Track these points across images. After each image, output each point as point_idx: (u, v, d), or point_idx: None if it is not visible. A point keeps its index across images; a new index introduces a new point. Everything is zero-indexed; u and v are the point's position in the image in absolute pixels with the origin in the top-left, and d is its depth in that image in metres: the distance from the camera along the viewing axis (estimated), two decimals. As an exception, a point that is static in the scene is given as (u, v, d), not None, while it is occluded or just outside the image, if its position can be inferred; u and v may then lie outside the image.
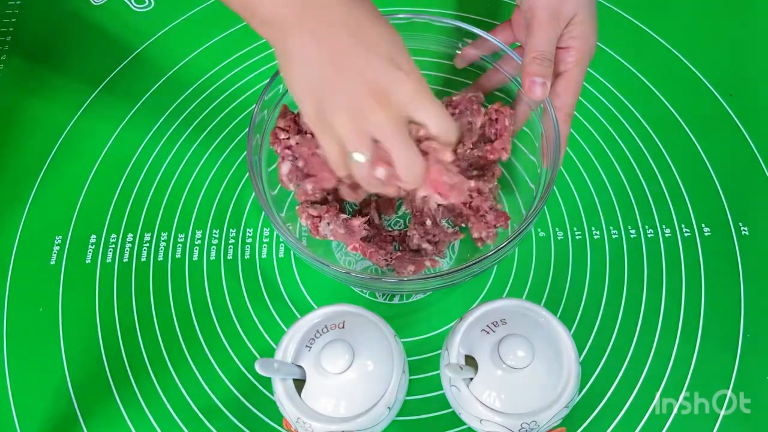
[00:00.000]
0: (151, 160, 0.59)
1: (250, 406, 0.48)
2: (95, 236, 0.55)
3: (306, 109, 0.40)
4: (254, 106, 0.49)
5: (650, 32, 0.65)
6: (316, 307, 0.50)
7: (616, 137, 0.58)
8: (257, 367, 0.38)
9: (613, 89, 0.61)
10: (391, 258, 0.50)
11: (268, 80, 0.50)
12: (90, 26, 0.67)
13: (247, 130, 0.55)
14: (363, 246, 0.49)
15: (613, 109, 0.60)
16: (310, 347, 0.42)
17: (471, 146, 0.51)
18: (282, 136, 0.49)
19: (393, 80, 0.38)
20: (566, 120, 0.49)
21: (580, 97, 0.51)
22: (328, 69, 0.38)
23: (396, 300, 0.52)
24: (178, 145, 0.59)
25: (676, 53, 0.63)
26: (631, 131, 0.59)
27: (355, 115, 0.38)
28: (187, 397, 0.48)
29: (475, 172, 0.52)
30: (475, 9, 0.66)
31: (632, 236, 0.54)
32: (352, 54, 0.37)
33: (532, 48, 0.47)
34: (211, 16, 0.68)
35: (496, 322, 0.43)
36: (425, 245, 0.50)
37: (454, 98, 0.51)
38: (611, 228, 0.54)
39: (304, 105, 0.39)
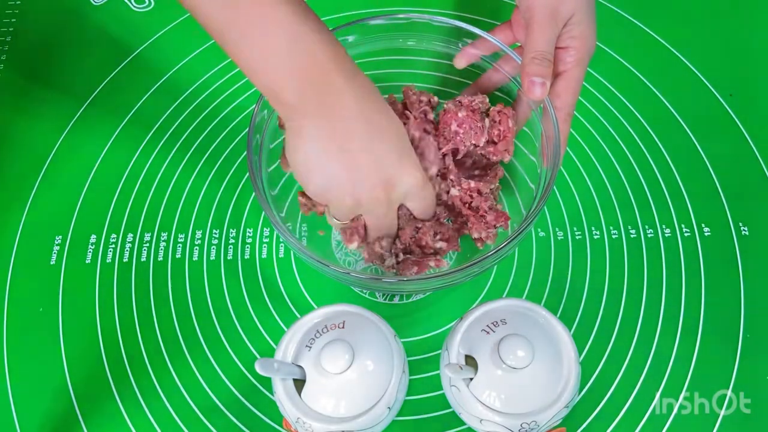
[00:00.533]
0: (151, 160, 0.59)
1: (250, 406, 0.48)
2: (95, 236, 0.55)
3: (311, 185, 0.43)
4: (254, 106, 0.49)
5: (650, 32, 0.65)
6: (316, 307, 0.50)
7: (616, 137, 0.58)
8: (257, 367, 0.38)
9: (613, 89, 0.61)
10: (397, 263, 0.50)
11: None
12: (90, 26, 0.67)
13: (247, 130, 0.55)
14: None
15: (613, 109, 0.60)
16: (310, 347, 0.42)
17: (474, 144, 0.51)
18: None
19: (401, 174, 0.44)
20: (566, 120, 0.49)
21: (580, 97, 0.51)
22: (343, 161, 0.42)
23: (396, 300, 0.52)
24: (178, 145, 0.59)
25: (676, 53, 0.63)
26: (631, 131, 0.59)
27: (355, 202, 0.43)
28: (187, 397, 0.48)
29: (476, 172, 0.52)
30: (475, 9, 0.66)
31: (632, 236, 0.54)
32: (368, 153, 0.42)
33: (531, 48, 0.47)
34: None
35: (496, 322, 0.43)
36: (439, 244, 0.50)
37: (460, 99, 0.51)
38: (611, 228, 0.54)
39: (310, 182, 0.43)
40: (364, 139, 0.42)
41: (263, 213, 0.53)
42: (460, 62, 0.53)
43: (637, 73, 0.62)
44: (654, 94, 0.61)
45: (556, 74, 0.49)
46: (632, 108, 0.60)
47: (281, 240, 0.54)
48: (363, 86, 0.42)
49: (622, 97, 0.60)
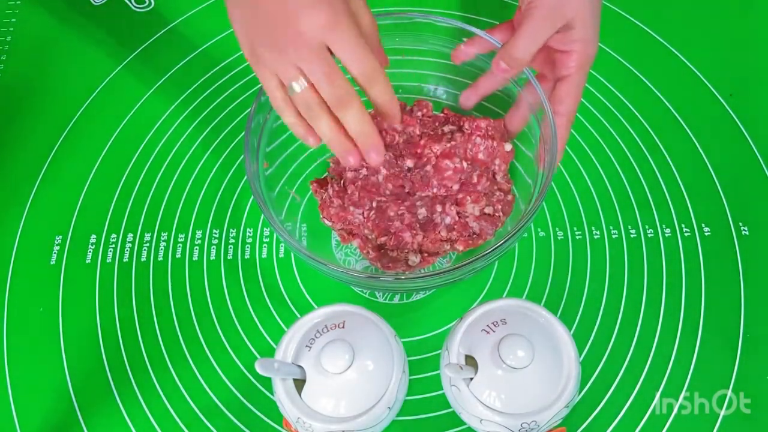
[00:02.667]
0: (151, 159, 0.59)
1: (250, 406, 0.48)
2: (95, 236, 0.55)
3: (242, 48, 0.42)
4: (250, 108, 0.49)
5: (651, 32, 0.65)
6: (316, 307, 0.50)
7: (617, 137, 0.58)
8: (257, 367, 0.38)
9: (613, 89, 0.61)
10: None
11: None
12: (90, 26, 0.67)
13: (244, 132, 0.55)
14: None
15: (613, 109, 0.60)
16: (310, 347, 0.42)
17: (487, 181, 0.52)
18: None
19: (302, 16, 0.39)
20: (567, 125, 0.49)
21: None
22: (253, 13, 0.41)
23: (396, 300, 0.52)
24: (177, 146, 0.59)
25: (677, 53, 0.63)
26: (632, 131, 0.59)
27: (277, 51, 0.40)
28: (187, 397, 0.48)
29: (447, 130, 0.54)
30: (478, 10, 0.66)
31: (632, 236, 0.54)
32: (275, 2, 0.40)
33: (509, 48, 0.46)
34: (211, 16, 0.68)
35: (496, 322, 0.43)
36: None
37: (479, 123, 0.52)
38: (611, 228, 0.54)
39: (242, 44, 0.42)
40: None
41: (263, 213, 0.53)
42: (458, 59, 0.53)
43: (637, 73, 0.62)
44: (654, 94, 0.61)
45: (558, 79, 0.48)
46: (632, 108, 0.60)
47: (281, 240, 0.54)
48: None
49: (622, 97, 0.60)
